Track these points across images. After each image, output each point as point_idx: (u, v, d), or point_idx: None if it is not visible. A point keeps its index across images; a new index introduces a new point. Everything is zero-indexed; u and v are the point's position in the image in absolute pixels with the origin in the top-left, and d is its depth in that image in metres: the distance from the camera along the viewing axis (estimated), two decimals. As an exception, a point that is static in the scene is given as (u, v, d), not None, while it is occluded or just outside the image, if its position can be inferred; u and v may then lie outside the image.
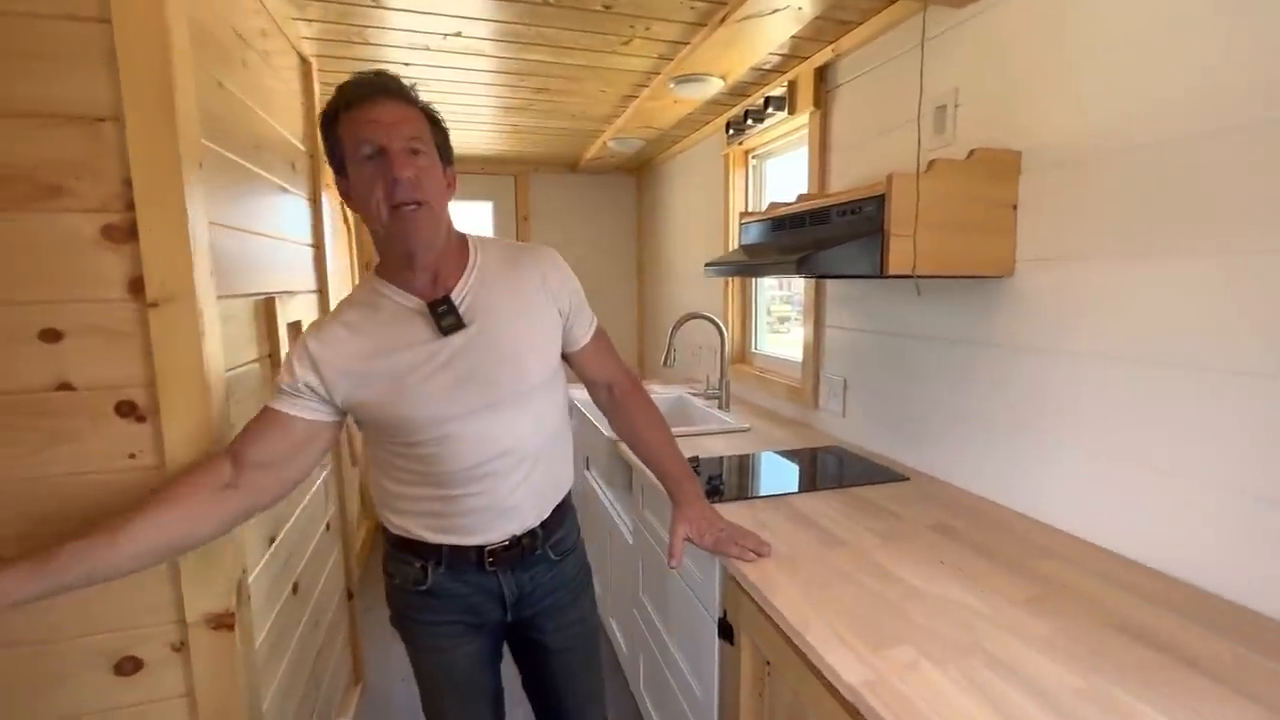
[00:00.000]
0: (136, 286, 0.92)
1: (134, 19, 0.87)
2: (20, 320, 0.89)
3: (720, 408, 2.26)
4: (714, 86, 1.96)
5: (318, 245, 1.78)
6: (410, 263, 0.93)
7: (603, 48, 1.78)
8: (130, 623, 0.98)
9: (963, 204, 1.19)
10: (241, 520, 0.92)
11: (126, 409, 0.94)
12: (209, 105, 1.05)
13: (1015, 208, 1.22)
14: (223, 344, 1.03)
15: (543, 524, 1.06)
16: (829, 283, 1.89)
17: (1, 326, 0.88)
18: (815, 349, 1.96)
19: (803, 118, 1.97)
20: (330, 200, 2.01)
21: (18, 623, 0.93)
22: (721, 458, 1.69)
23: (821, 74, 1.84)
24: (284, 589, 1.33)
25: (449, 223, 0.98)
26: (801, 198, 1.63)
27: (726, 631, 1.13)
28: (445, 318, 0.93)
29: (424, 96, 0.94)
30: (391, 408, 0.93)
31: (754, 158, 2.50)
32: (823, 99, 1.85)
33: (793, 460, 1.68)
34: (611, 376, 1.20)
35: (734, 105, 2.34)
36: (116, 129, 0.88)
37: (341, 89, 0.89)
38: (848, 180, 1.76)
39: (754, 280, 2.54)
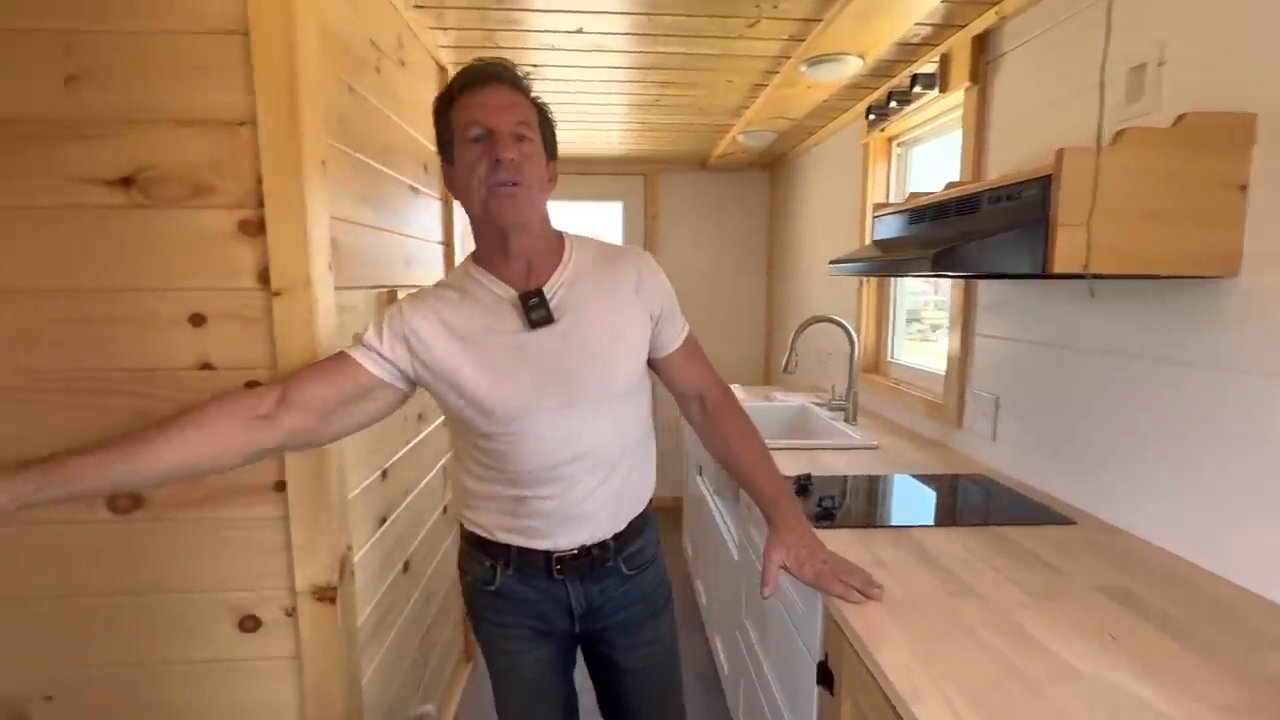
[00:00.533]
0: (264, 277, 0.99)
1: (268, 33, 0.94)
2: (175, 306, 1.00)
3: (846, 421, 2.06)
4: (852, 67, 1.78)
5: (447, 243, 1.87)
6: (504, 244, 0.92)
7: (727, 33, 1.68)
8: (254, 585, 1.07)
9: (1161, 184, 0.94)
10: (266, 456, 0.91)
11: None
12: (338, 109, 1.12)
13: (1244, 188, 0.94)
14: (338, 332, 1.09)
15: (616, 535, 1.01)
16: (981, 284, 1.64)
17: (160, 311, 0.99)
18: (962, 360, 1.70)
19: (956, 96, 1.72)
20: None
21: (163, 571, 1.05)
22: (842, 477, 1.52)
23: (980, 43, 1.59)
24: (394, 567, 1.40)
25: (545, 215, 0.97)
26: (950, 186, 1.41)
27: (826, 678, 0.99)
28: (535, 310, 0.92)
29: (555, 99, 0.93)
30: (470, 394, 0.92)
31: (898, 145, 2.25)
32: (981, 72, 1.60)
33: (928, 487, 1.46)
34: (702, 387, 1.11)
35: (875, 88, 2.12)
36: (252, 132, 0.96)
37: (457, 75, 0.91)
38: (1009, 165, 1.50)
39: (894, 281, 2.29)
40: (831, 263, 1.58)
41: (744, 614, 1.60)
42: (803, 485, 1.40)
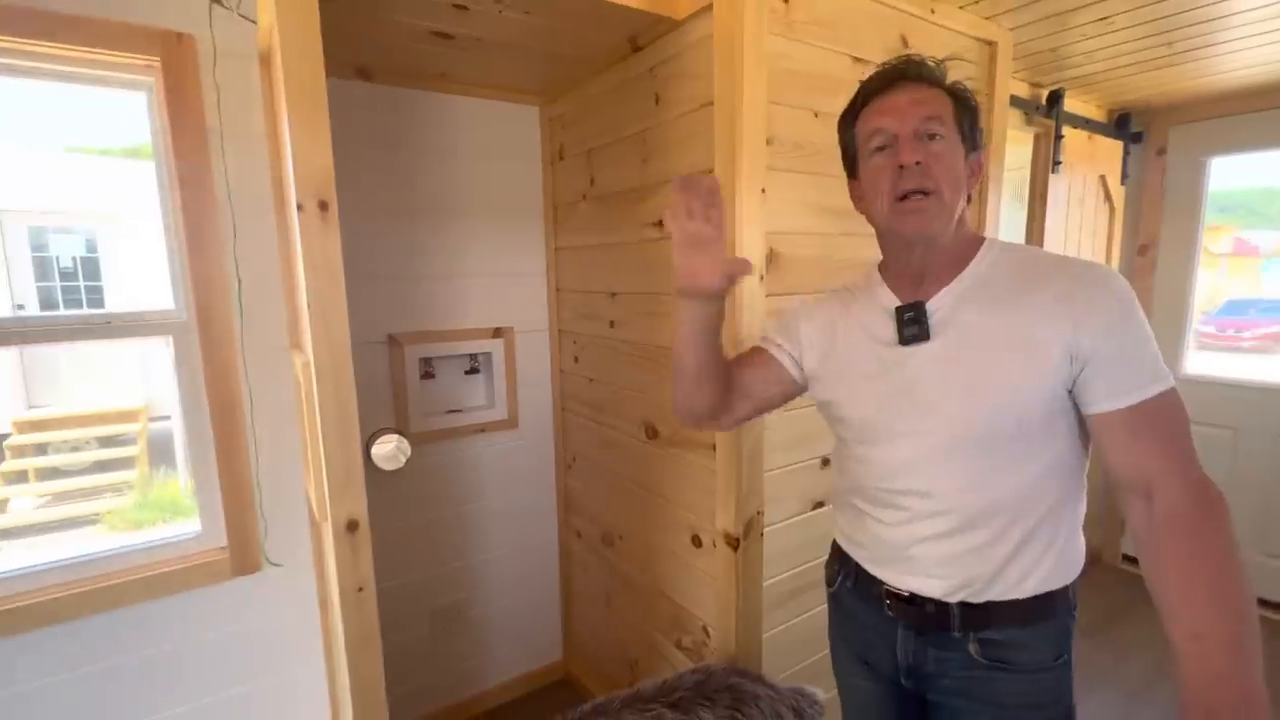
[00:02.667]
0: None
1: (725, 102, 1.21)
2: (651, 303, 1.44)
3: None
4: None
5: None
6: (907, 257, 0.86)
7: None
8: (700, 514, 1.45)
9: None
10: (706, 416, 1.01)
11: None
12: (795, 137, 1.30)
13: None
14: (763, 331, 1.29)
15: (964, 605, 0.83)
16: None
17: (669, 309, 1.46)
18: None
19: None
20: (1080, 180, 1.84)
21: (663, 482, 1.56)
22: None
23: None
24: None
25: (961, 223, 0.85)
26: None
27: None
28: (909, 325, 0.84)
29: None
30: (833, 395, 0.94)
31: None
32: None
33: None
34: (1147, 480, 0.73)
35: None
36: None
37: (862, 84, 0.87)
38: None
39: None
40: None
41: None
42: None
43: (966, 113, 0.83)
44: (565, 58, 1.53)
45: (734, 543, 1.33)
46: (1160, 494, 0.71)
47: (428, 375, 1.82)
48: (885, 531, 0.88)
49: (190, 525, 1.52)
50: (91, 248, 6.99)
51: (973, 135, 0.83)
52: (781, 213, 1.30)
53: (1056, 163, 2.24)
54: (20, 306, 6.81)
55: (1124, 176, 2.61)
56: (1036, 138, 2.28)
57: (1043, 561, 0.81)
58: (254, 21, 1.38)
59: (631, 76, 1.50)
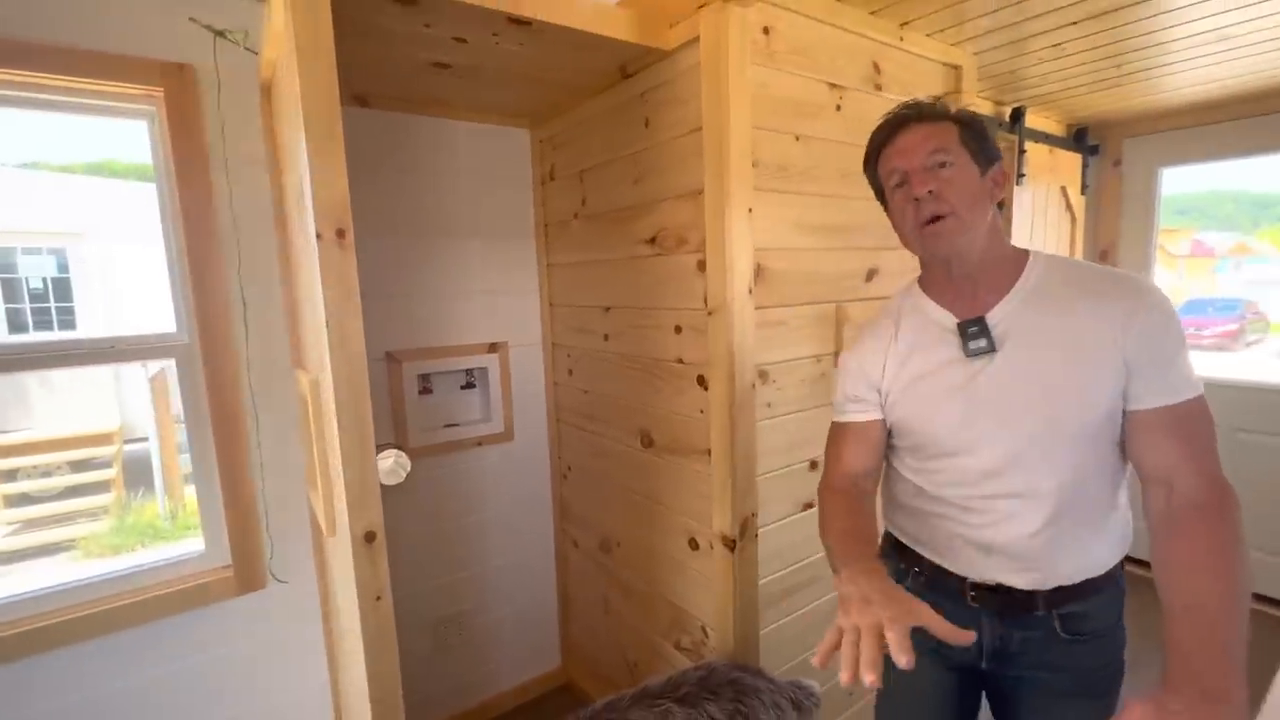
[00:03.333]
0: (706, 301, 1.37)
1: (712, 127, 1.29)
2: (670, 319, 1.51)
3: None
4: None
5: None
6: (947, 273, 0.94)
7: None
8: (697, 517, 1.51)
9: None
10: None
11: (701, 380, 1.43)
12: (779, 159, 1.38)
13: None
14: (756, 341, 1.37)
15: (1053, 589, 0.90)
16: None
17: (662, 322, 1.52)
18: None
19: None
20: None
21: (660, 488, 1.61)
22: None
23: None
24: (817, 550, 1.59)
25: (993, 230, 0.92)
26: None
27: None
28: (974, 339, 0.90)
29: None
30: (905, 418, 0.97)
31: None
32: None
33: None
34: (1169, 473, 0.81)
35: None
36: (702, 199, 1.34)
37: (874, 132, 0.98)
38: None
39: None
40: None
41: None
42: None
43: (974, 134, 0.90)
44: (557, 84, 1.60)
45: (730, 544, 1.39)
46: (1180, 484, 0.79)
47: (426, 391, 1.86)
48: (972, 533, 0.93)
49: (177, 549, 1.54)
50: (62, 268, 6.86)
51: (985, 152, 0.90)
52: (768, 230, 1.37)
53: (1021, 175, 2.36)
54: (-12, 330, 6.63)
55: (1084, 187, 2.76)
56: (1002, 152, 2.40)
57: (1113, 539, 0.90)
58: (256, 53, 1.43)
59: (623, 101, 1.57)
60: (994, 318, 0.90)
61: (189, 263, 1.44)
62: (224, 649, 1.53)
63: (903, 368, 0.97)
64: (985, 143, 0.91)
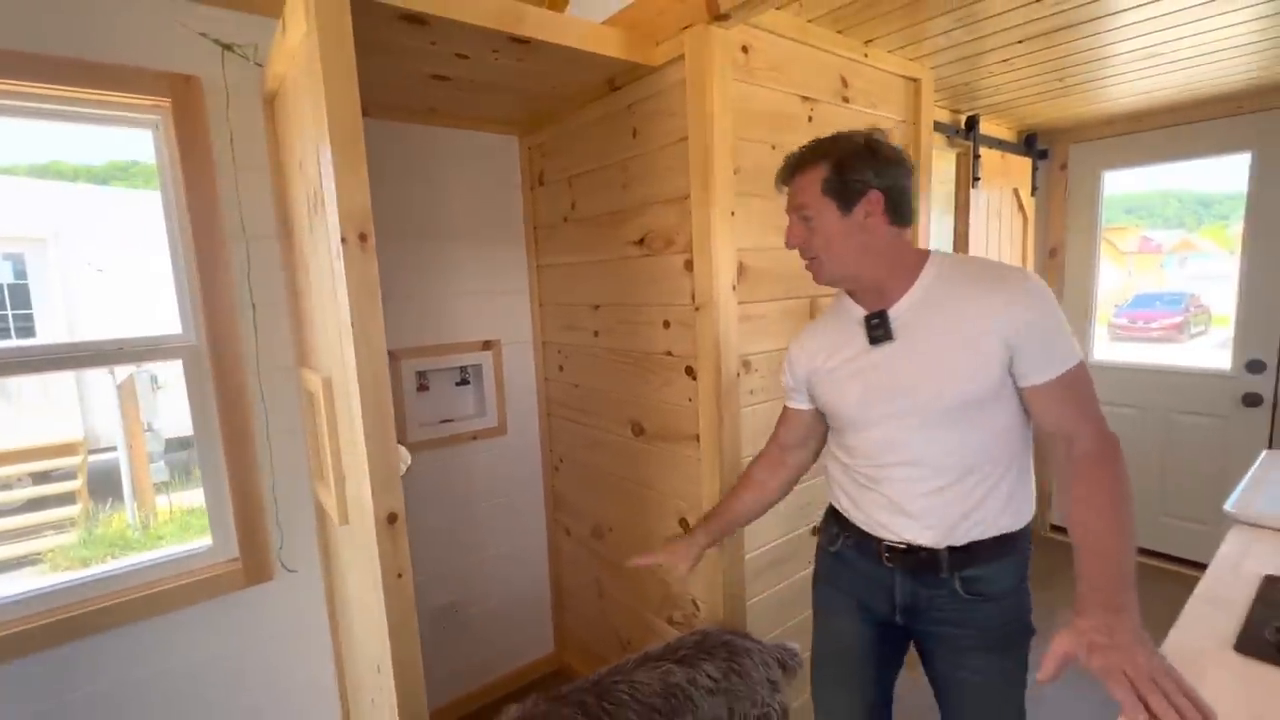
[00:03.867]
0: (693, 297, 1.48)
1: (696, 137, 1.40)
2: (658, 314, 1.62)
3: None
4: None
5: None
6: (847, 285, 1.13)
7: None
8: (687, 499, 1.62)
9: None
10: (793, 484, 1.32)
11: (689, 370, 1.54)
12: (758, 166, 1.50)
13: None
14: (739, 335, 1.48)
15: (951, 549, 1.04)
16: None
17: (652, 317, 1.63)
18: None
19: None
20: (997, 192, 2.11)
21: (651, 474, 1.72)
22: None
23: None
24: (796, 529, 1.72)
25: (887, 249, 1.05)
26: None
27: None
28: (875, 329, 1.06)
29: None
30: (824, 400, 1.16)
31: None
32: None
33: None
34: (1067, 431, 0.97)
35: None
36: (688, 203, 1.45)
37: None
38: None
39: None
40: None
41: None
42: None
43: (834, 178, 1.03)
44: (547, 95, 1.70)
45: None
46: (1077, 439, 0.95)
47: (423, 388, 1.94)
48: (883, 498, 1.08)
49: (183, 547, 1.58)
50: (20, 274, 6.65)
51: (847, 193, 1.02)
52: (749, 232, 1.49)
53: (976, 178, 2.54)
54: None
55: (1034, 189, 2.96)
56: (958, 157, 2.58)
57: (1007, 506, 1.03)
58: (260, 65, 1.49)
59: (611, 112, 1.67)
60: (895, 311, 1.05)
61: (197, 267, 1.49)
62: (237, 638, 1.59)
63: (829, 357, 1.14)
64: (848, 184, 1.02)
